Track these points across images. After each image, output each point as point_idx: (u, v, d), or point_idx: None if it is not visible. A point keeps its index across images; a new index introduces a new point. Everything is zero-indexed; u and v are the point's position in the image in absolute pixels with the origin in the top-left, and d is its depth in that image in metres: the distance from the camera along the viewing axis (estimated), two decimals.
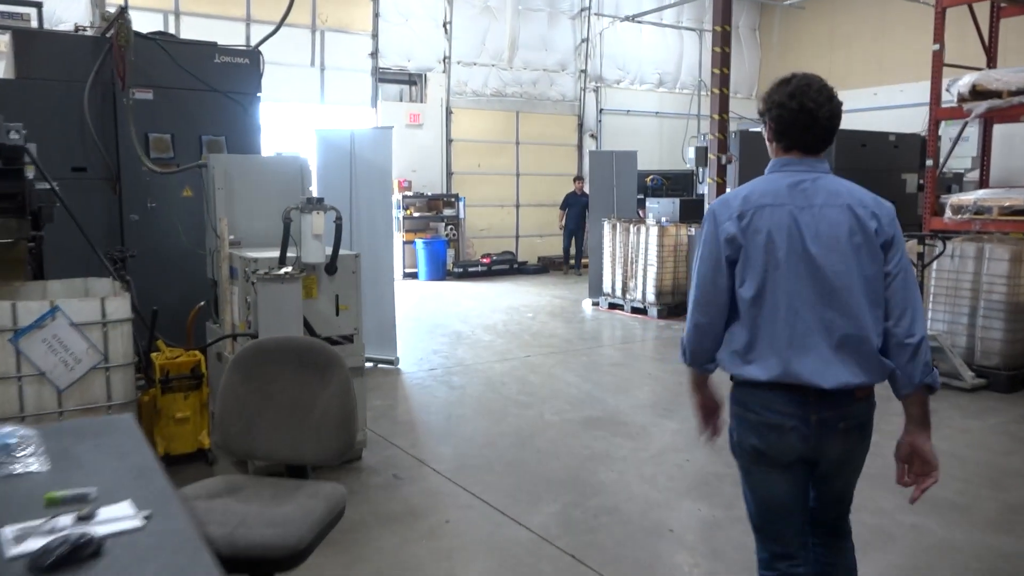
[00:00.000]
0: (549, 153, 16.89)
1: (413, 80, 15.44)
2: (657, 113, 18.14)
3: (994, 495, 4.42)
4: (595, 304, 11.18)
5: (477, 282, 14.20)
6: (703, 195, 9.81)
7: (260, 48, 6.69)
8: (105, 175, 6.06)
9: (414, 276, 14.69)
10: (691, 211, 10.51)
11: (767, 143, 2.40)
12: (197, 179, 5.81)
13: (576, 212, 14.71)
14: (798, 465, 2.28)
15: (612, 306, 10.87)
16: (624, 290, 10.69)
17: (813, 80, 2.29)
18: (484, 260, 15.26)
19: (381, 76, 14.88)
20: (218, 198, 5.06)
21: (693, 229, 10.03)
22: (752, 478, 2.36)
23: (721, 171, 8.94)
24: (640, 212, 11.74)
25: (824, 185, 2.24)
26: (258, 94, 6.67)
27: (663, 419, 5.81)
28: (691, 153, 9.59)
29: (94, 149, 5.91)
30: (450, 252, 15.15)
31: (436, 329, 9.48)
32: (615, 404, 6.23)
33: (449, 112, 15.62)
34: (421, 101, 15.40)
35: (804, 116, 2.25)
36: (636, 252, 10.44)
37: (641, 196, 11.72)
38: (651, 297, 10.23)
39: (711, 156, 9.00)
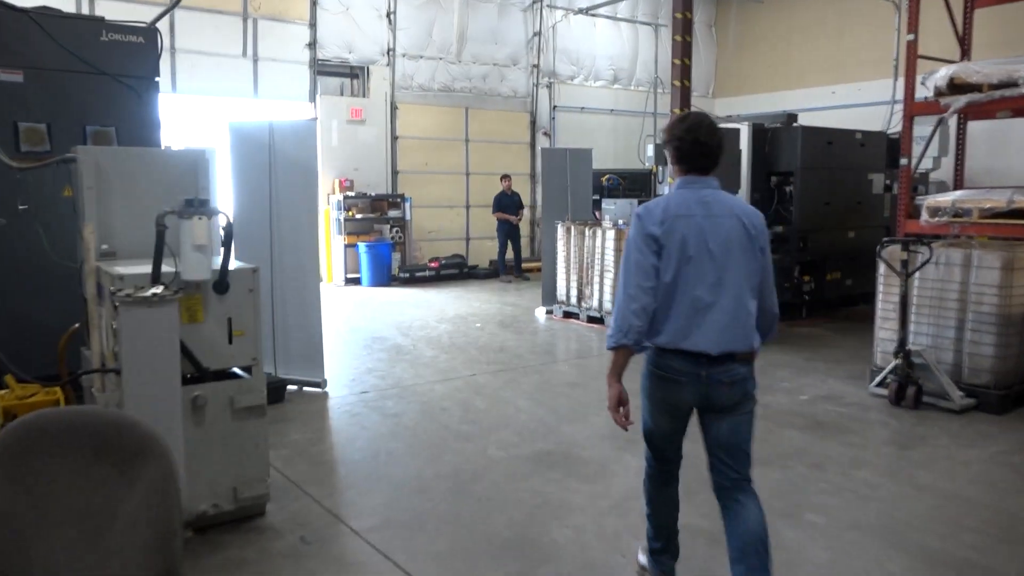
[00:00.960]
0: (500, 151, 16.11)
1: (355, 73, 14.51)
2: (612, 111, 17.50)
3: (1014, 550, 3.75)
4: (549, 312, 10.43)
5: (424, 288, 13.35)
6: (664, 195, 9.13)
7: (157, 25, 5.77)
8: None
9: (357, 282, 13.78)
10: None
11: (671, 165, 3.01)
12: None
13: (509, 214, 14.14)
14: (689, 409, 2.93)
15: (567, 315, 10.13)
16: (580, 298, 9.96)
17: (703, 118, 2.95)
18: (432, 264, 14.41)
19: (320, 68, 13.92)
20: (88, 199, 4.14)
21: None
22: (653, 415, 3.02)
23: None
24: (596, 214, 11.03)
25: (719, 199, 2.89)
26: (156, 79, 5.76)
27: (623, 453, 5.05)
28: (650, 151, 8.91)
29: None
30: (396, 256, 14.28)
31: (374, 343, 8.62)
32: (570, 434, 5.47)
33: (394, 107, 14.74)
34: (364, 96, 14.48)
35: (698, 147, 2.88)
36: (592, 257, 9.72)
37: (597, 197, 11.01)
38: (608, 306, 9.50)
39: None
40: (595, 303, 9.70)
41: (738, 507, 2.86)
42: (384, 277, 13.65)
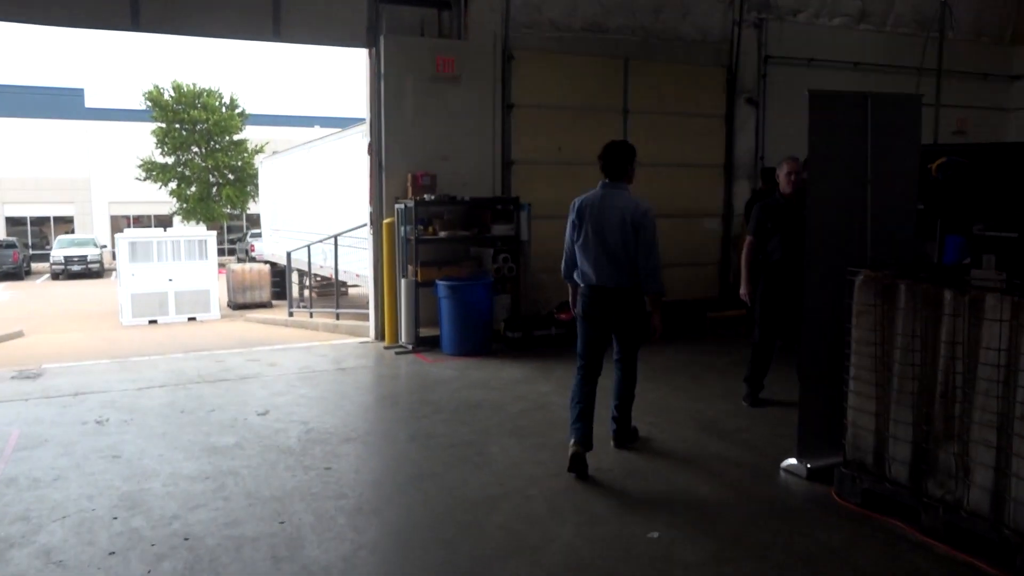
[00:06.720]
0: (678, 128, 10.12)
1: (444, 2, 8.97)
2: (857, 64, 11.07)
3: None
4: (812, 478, 4.40)
5: (547, 364, 7.57)
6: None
7: None
8: None
9: (435, 344, 8.23)
10: None
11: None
12: None
13: (790, 239, 5.79)
14: (600, 323, 4.85)
15: (873, 500, 4.05)
16: (923, 471, 3.83)
17: (613, 143, 4.90)
18: (562, 317, 8.61)
19: None
20: None
21: None
22: (583, 330, 4.90)
23: None
24: (928, 250, 4.84)
25: (614, 197, 4.79)
26: None
27: None
28: None
29: None
30: (503, 299, 8.65)
31: None
32: None
33: (508, 57, 9.11)
34: (458, 37, 8.92)
35: (605, 163, 4.86)
36: (966, 367, 3.58)
37: (920, 206, 4.85)
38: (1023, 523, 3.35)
39: None
40: (973, 496, 3.55)
41: (618, 370, 5.05)
42: (478, 341, 8.02)
